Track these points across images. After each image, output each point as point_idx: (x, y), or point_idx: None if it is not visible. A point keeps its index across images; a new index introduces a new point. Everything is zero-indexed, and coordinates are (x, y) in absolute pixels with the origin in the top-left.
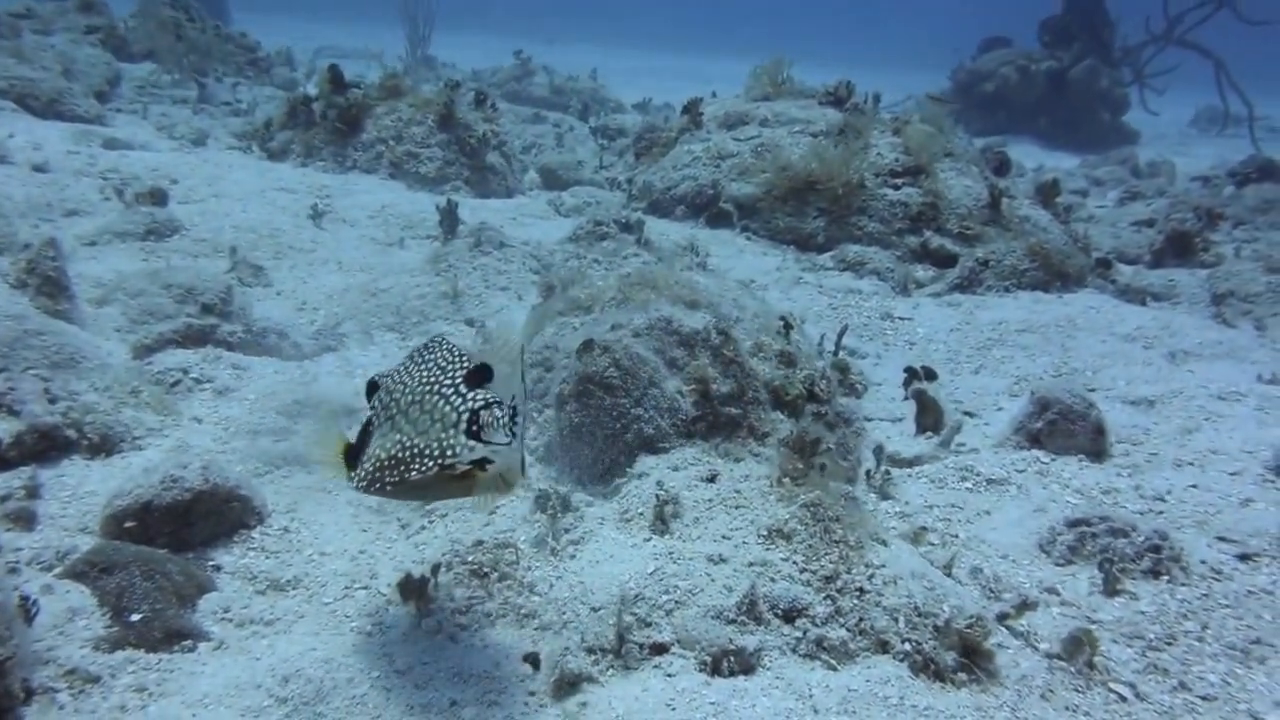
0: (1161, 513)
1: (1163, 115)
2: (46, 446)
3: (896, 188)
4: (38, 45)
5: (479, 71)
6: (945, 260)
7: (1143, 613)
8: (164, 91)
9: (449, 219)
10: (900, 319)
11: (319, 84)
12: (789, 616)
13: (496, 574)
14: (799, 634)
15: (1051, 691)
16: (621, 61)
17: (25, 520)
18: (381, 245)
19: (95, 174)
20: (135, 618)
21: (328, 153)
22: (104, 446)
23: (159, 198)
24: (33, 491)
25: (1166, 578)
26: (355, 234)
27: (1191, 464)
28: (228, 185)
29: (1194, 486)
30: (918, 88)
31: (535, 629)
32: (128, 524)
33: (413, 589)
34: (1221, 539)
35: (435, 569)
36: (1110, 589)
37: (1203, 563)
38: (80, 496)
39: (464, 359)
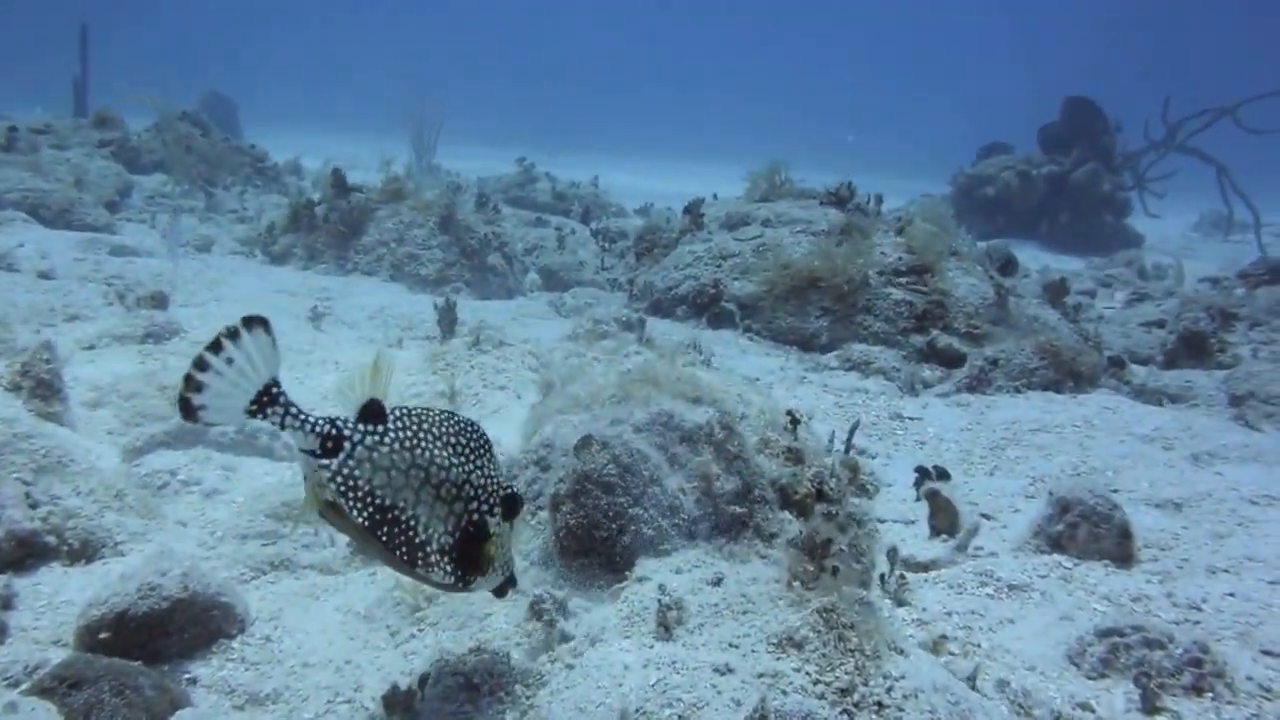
0: (1198, 623)
1: (1166, 220)
2: (24, 554)
3: (901, 286)
4: (54, 159)
5: (484, 179)
6: (953, 359)
7: None
8: (173, 201)
9: (447, 318)
10: (909, 418)
11: (321, 187)
12: None
13: (487, 686)
14: None
15: None
16: (623, 171)
17: None
18: (380, 346)
19: (99, 280)
20: None
21: (330, 255)
22: (84, 552)
23: (160, 301)
24: (6, 602)
25: (1211, 695)
26: (354, 335)
27: (1227, 571)
28: (229, 289)
29: (1231, 595)
30: (917, 192)
31: None
32: (102, 635)
33: (398, 702)
34: (1267, 653)
35: (423, 681)
36: (1150, 706)
37: (1249, 679)
38: (55, 606)
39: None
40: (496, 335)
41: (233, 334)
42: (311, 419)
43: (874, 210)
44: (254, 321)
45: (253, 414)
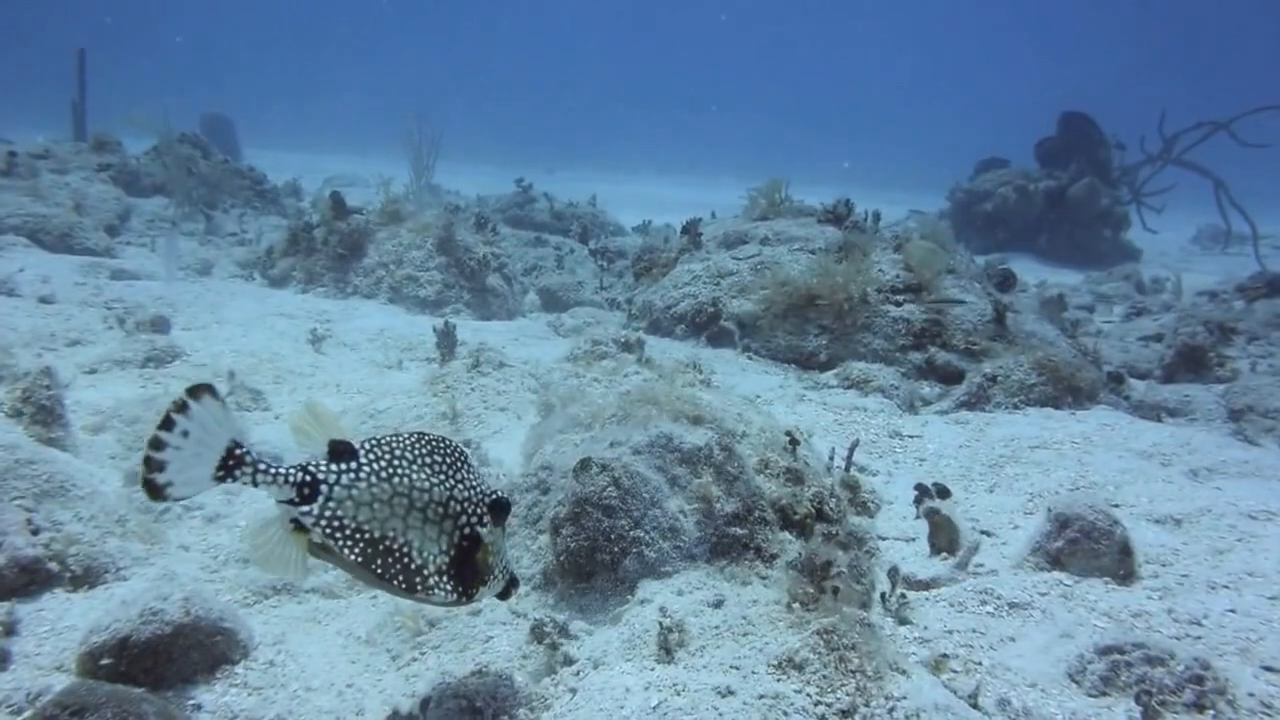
0: (1199, 639)
1: (1164, 233)
2: (27, 580)
3: (899, 304)
4: (54, 184)
5: (483, 198)
6: (951, 377)
7: None
8: (170, 221)
9: (446, 340)
10: (909, 436)
11: (320, 210)
12: None
13: (490, 709)
14: None
15: None
16: (621, 189)
17: None
18: (380, 368)
19: (100, 304)
20: None
21: (329, 278)
22: (87, 578)
23: (160, 325)
24: (9, 628)
25: (1213, 712)
26: (354, 357)
27: (1227, 586)
28: (229, 312)
29: (1232, 611)
30: (917, 206)
31: None
32: (104, 661)
33: None
34: (1268, 669)
35: (425, 704)
36: None
37: (1251, 695)
38: (59, 632)
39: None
40: (496, 356)
41: (181, 407)
42: (283, 470)
43: (872, 227)
44: (199, 390)
45: (221, 479)
